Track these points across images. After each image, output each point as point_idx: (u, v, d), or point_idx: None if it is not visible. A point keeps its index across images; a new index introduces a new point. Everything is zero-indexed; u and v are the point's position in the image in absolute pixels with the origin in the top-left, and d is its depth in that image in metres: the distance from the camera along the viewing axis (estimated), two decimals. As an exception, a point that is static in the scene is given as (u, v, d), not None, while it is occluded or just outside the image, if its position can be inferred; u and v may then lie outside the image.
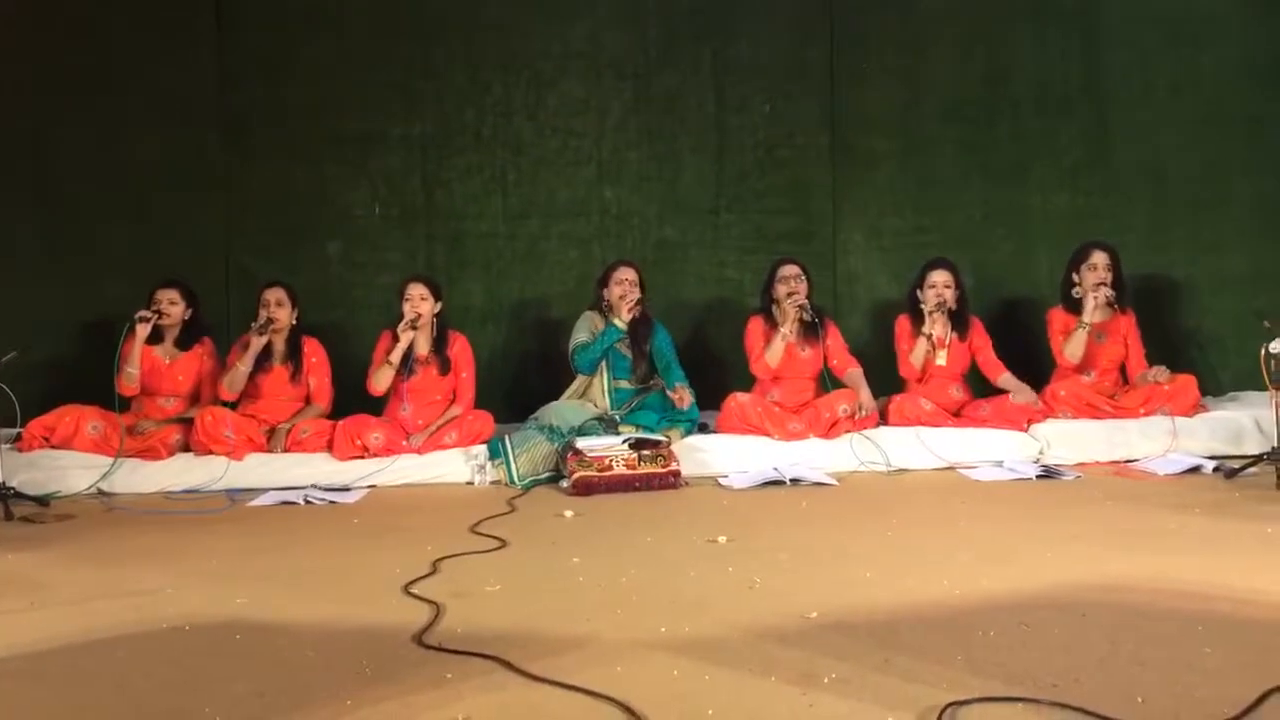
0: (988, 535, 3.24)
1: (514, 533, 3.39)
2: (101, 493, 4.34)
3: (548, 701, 1.92)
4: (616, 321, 4.80)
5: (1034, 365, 5.14)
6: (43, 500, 4.08)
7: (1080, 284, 4.89)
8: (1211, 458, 4.37)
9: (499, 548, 3.21)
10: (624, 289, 4.84)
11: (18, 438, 4.46)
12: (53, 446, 4.48)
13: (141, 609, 2.59)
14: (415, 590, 2.69)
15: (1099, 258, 4.87)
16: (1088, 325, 4.84)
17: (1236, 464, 4.14)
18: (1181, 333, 5.53)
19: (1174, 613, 2.34)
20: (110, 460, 4.39)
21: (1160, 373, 4.80)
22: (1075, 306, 4.90)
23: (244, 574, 2.96)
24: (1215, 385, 5.28)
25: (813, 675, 2.00)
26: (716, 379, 5.23)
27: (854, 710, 1.84)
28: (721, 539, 3.21)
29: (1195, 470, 4.25)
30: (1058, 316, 4.99)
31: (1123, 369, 5.01)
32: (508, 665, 2.08)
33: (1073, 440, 4.59)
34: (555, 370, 5.19)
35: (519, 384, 5.51)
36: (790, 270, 4.88)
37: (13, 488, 4.02)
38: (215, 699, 1.96)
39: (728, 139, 5.70)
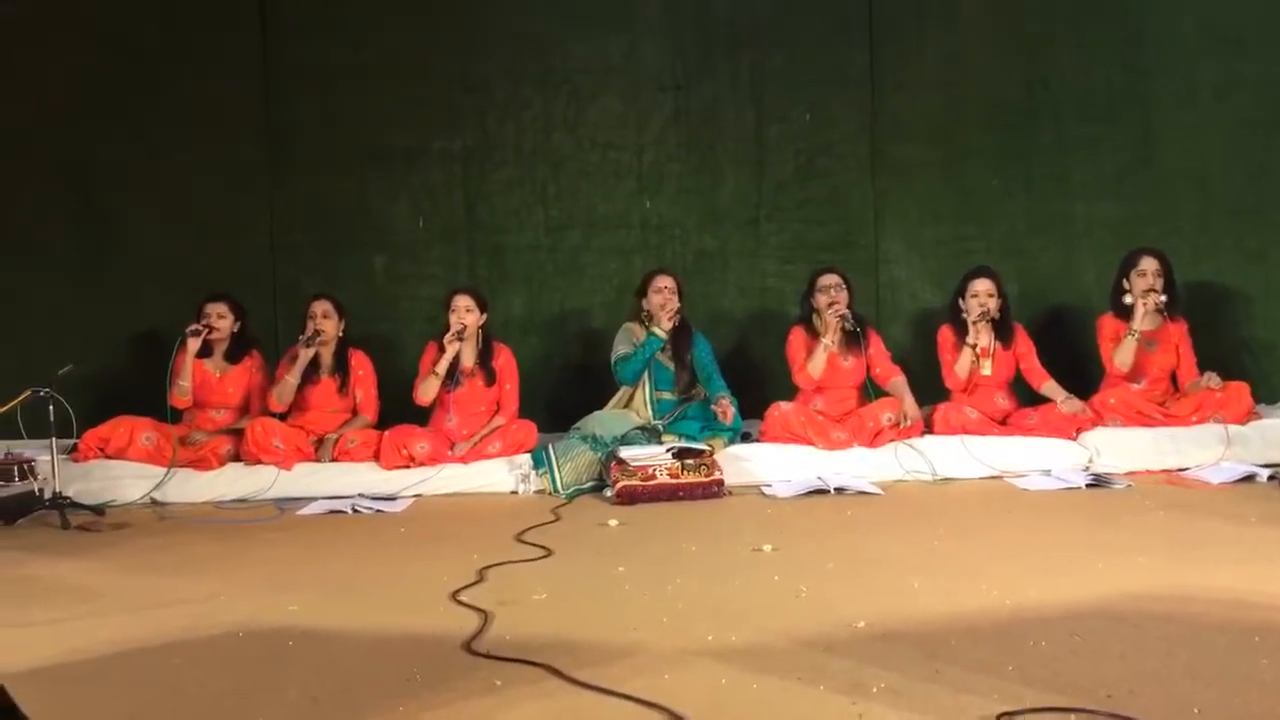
0: (1037, 545, 3.21)
1: (559, 542, 3.41)
2: (155, 502, 4.42)
3: (597, 709, 1.93)
4: (656, 330, 4.81)
5: (1081, 374, 5.08)
6: (98, 509, 4.16)
7: (1130, 290, 4.82)
8: (1266, 466, 4.28)
9: (544, 556, 3.23)
10: (664, 297, 4.85)
11: (73, 448, 4.56)
12: (107, 457, 4.58)
13: (196, 616, 2.64)
14: (463, 598, 2.72)
15: (1149, 264, 4.80)
16: (1137, 333, 4.76)
17: (1292, 472, 4.07)
18: (1232, 340, 5.43)
19: (1230, 624, 2.30)
20: (163, 470, 4.47)
21: (1212, 379, 4.71)
22: (1125, 313, 4.82)
23: (295, 582, 3.01)
24: (1268, 393, 5.18)
25: (862, 685, 1.99)
26: (758, 388, 5.22)
27: (904, 720, 1.83)
28: (766, 548, 3.21)
29: (1249, 479, 4.17)
30: (1108, 323, 4.92)
31: (1173, 377, 4.93)
32: (557, 673, 2.10)
33: (1123, 448, 4.52)
34: (596, 381, 5.21)
35: (560, 394, 5.53)
36: (830, 279, 4.86)
37: (69, 497, 4.12)
38: (270, 705, 2.00)
39: (767, 149, 5.70)
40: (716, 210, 5.72)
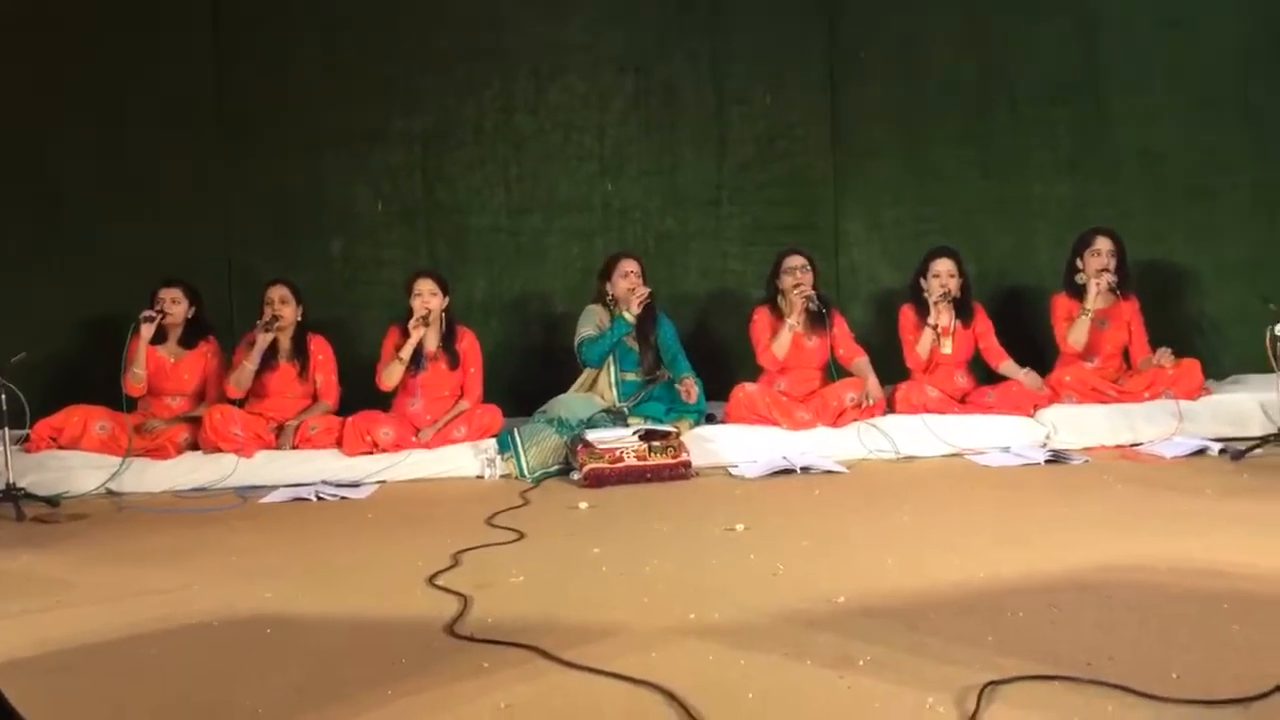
0: (1003, 519, 3.26)
1: (530, 525, 3.40)
2: (111, 492, 4.33)
3: (587, 689, 1.93)
4: (625, 314, 4.80)
5: (1037, 353, 5.17)
6: (52, 501, 4.07)
7: (1084, 269, 4.91)
8: (1216, 440, 4.40)
9: (517, 540, 3.22)
10: (630, 282, 4.84)
11: (26, 438, 4.44)
12: (60, 447, 4.47)
13: (167, 606, 2.59)
14: (440, 582, 2.70)
15: (1102, 243, 4.89)
16: (1090, 312, 4.86)
17: (1243, 446, 4.17)
18: (1183, 318, 5.57)
19: (1198, 592, 2.36)
20: (119, 460, 4.38)
21: (1165, 355, 4.82)
22: (1078, 292, 4.91)
23: (265, 570, 2.96)
24: (1217, 369, 5.30)
25: (847, 658, 2.01)
26: (721, 370, 5.24)
27: (892, 692, 1.85)
28: (739, 527, 3.23)
29: (1201, 453, 4.28)
30: (1061, 303, 5.01)
31: (1126, 354, 5.03)
32: (543, 654, 2.09)
33: (1078, 425, 4.62)
34: (559, 364, 5.19)
35: (523, 378, 5.50)
36: (795, 261, 4.89)
37: (22, 488, 4.01)
38: (254, 692, 1.97)
39: (728, 131, 5.71)
40: (677, 192, 5.72)
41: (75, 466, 4.38)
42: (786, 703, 1.83)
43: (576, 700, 1.89)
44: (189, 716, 1.88)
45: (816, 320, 4.86)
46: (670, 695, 1.85)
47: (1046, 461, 4.24)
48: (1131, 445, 4.53)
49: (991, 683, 1.83)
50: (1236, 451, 4.14)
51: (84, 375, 4.99)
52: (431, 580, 2.72)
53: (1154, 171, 5.64)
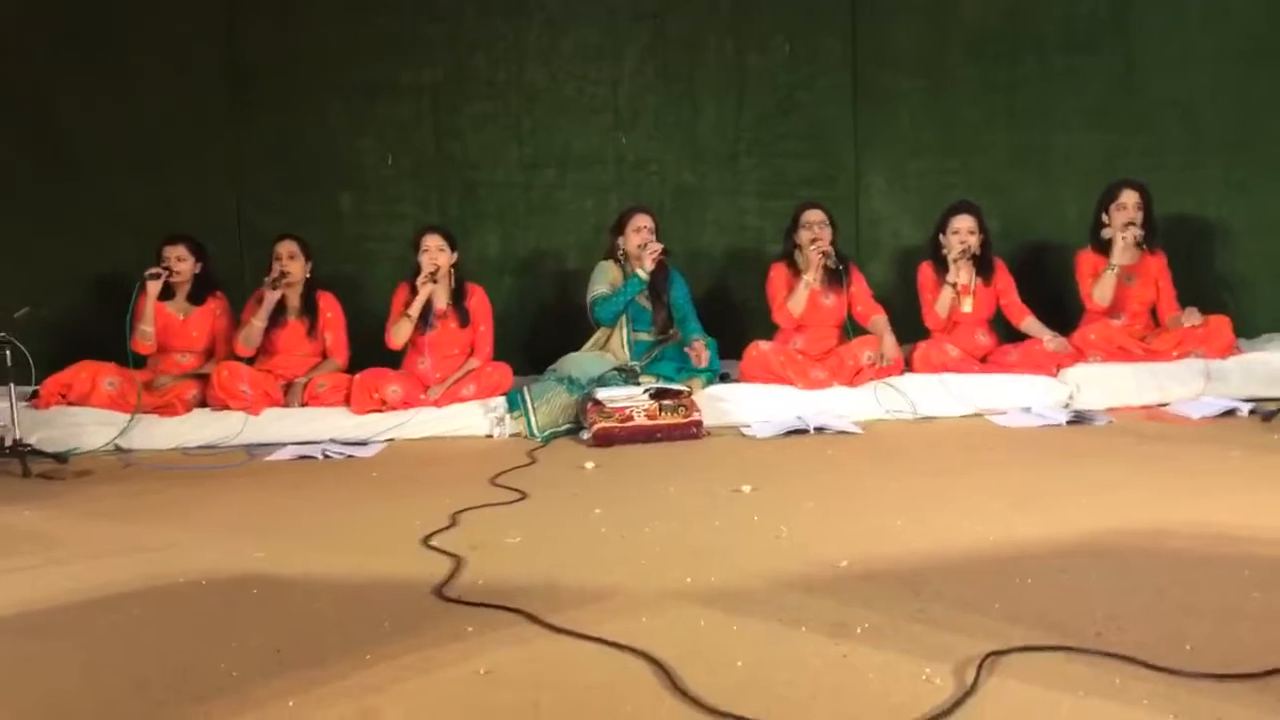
0: (1019, 482, 3.15)
1: (534, 484, 3.33)
2: (119, 449, 4.31)
3: (572, 654, 1.87)
4: (639, 272, 4.70)
5: (1062, 310, 5.04)
6: (60, 457, 4.05)
7: (1110, 224, 4.75)
8: (1246, 400, 4.25)
9: (519, 500, 3.15)
10: (643, 237, 4.73)
11: (34, 395, 4.43)
12: (69, 403, 4.45)
13: (158, 564, 2.55)
14: (434, 543, 2.64)
15: (1129, 197, 4.72)
16: (1116, 267, 4.71)
17: (1273, 406, 4.03)
18: (1215, 274, 5.39)
19: (1218, 558, 2.26)
20: (127, 417, 4.36)
21: (1192, 315, 4.67)
22: (1105, 248, 4.76)
23: (262, 528, 2.92)
24: (1249, 328, 5.12)
25: (845, 625, 1.93)
26: (737, 327, 5.15)
27: (889, 661, 1.77)
28: (746, 488, 3.14)
29: (1230, 413, 4.14)
30: (1086, 259, 4.86)
31: (1154, 311, 4.88)
32: (530, 617, 2.03)
33: (1103, 384, 4.48)
34: (572, 322, 5.10)
35: (535, 336, 5.44)
36: (814, 215, 4.75)
37: (30, 445, 3.99)
38: (230, 654, 1.92)
39: (747, 81, 5.56)
40: (695, 145, 5.59)
41: (84, 423, 4.36)
42: (776, 671, 1.75)
43: (559, 666, 1.82)
44: (161, 679, 1.83)
45: (834, 277, 4.74)
46: (655, 662, 1.78)
47: (1068, 422, 4.12)
48: (1158, 405, 4.40)
49: (993, 653, 1.75)
50: (1267, 412, 3.99)
51: (93, 332, 4.95)
52: (426, 541, 2.66)
53: (1186, 122, 5.43)
